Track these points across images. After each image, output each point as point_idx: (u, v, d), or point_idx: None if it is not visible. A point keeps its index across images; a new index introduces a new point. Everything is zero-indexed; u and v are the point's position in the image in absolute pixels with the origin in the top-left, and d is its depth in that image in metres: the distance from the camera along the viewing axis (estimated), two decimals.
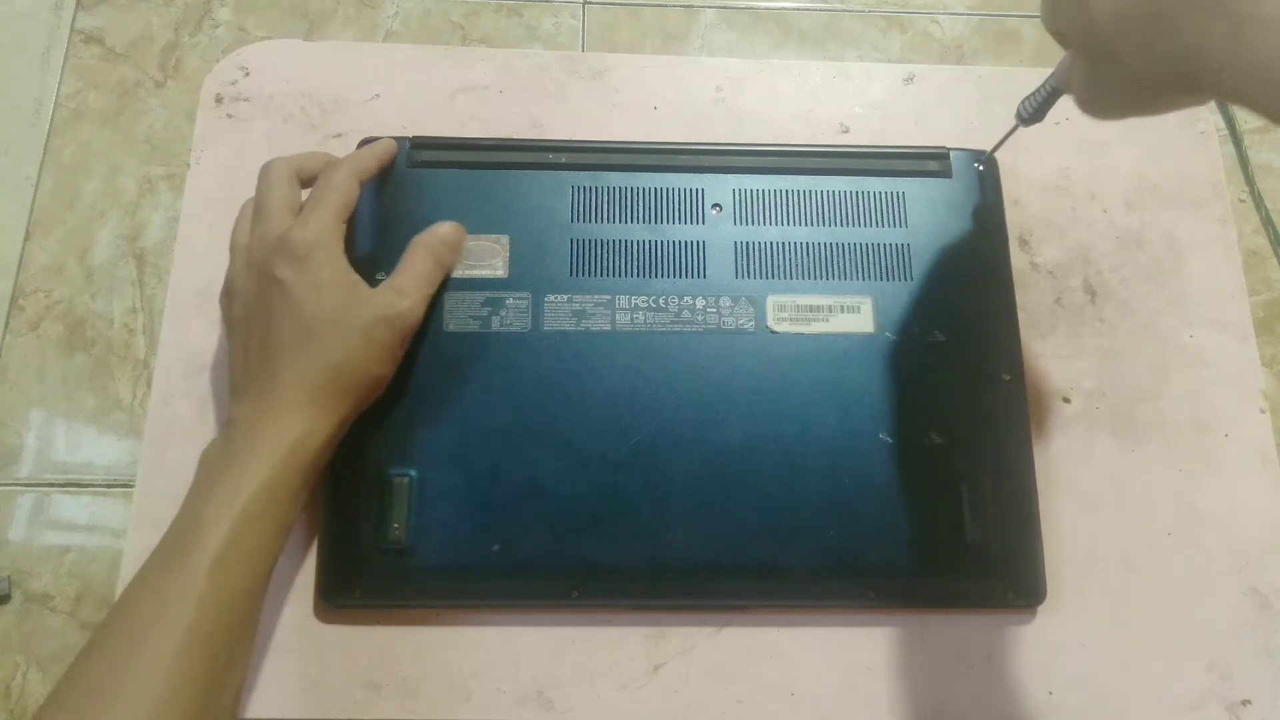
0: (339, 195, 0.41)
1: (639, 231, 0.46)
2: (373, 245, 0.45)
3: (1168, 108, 0.31)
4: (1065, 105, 0.51)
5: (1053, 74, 0.38)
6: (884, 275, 0.46)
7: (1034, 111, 0.41)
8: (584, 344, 0.44)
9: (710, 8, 0.56)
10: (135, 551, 0.42)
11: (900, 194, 0.47)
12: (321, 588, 0.41)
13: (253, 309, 0.40)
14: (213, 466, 0.38)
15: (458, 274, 0.45)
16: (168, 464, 0.44)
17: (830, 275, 0.46)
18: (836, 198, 0.47)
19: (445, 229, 0.44)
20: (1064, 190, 0.51)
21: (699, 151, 0.48)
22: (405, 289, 0.41)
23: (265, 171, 0.42)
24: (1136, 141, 0.52)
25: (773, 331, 0.45)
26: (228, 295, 0.41)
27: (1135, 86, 0.31)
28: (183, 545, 0.35)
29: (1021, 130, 0.43)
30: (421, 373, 0.43)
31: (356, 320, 0.39)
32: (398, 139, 0.47)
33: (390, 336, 0.40)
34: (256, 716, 0.40)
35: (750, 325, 0.45)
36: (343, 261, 0.40)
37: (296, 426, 0.37)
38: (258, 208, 0.42)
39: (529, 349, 0.44)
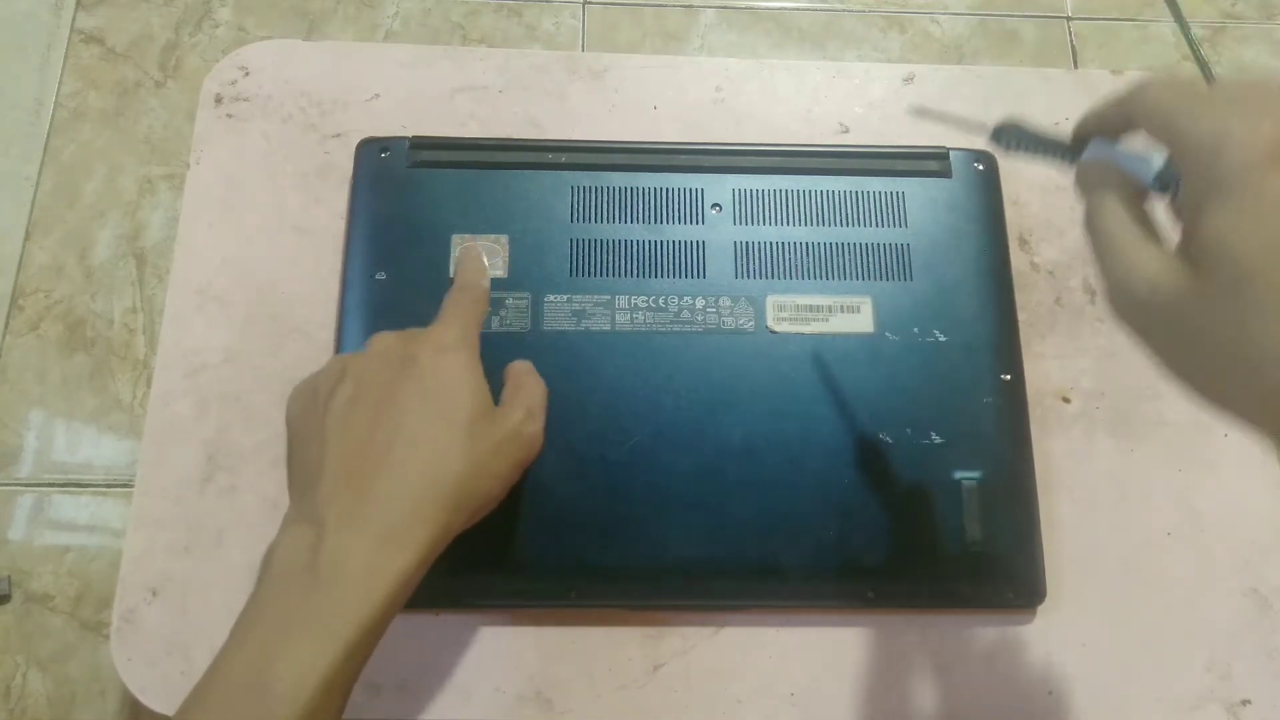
0: (476, 308, 0.40)
1: (639, 231, 0.46)
2: (372, 245, 0.45)
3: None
4: (1067, 106, 0.51)
5: (1091, 144, 0.30)
6: (884, 275, 0.46)
7: (1010, 140, 0.33)
8: (584, 344, 0.44)
9: (710, 8, 0.56)
10: (135, 551, 0.42)
11: (900, 194, 0.47)
12: None
13: (372, 389, 0.34)
14: (291, 592, 0.31)
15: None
16: (168, 464, 0.44)
17: (830, 275, 0.46)
18: (836, 198, 0.47)
19: (526, 364, 0.41)
20: (1064, 190, 0.51)
21: (699, 151, 0.48)
22: (535, 413, 0.39)
23: (470, 291, 0.41)
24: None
25: (772, 331, 0.45)
26: (337, 375, 0.35)
27: (1207, 390, 0.24)
28: (247, 703, 0.29)
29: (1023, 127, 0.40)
30: None
31: (491, 432, 0.35)
32: (397, 139, 0.47)
33: (519, 457, 0.37)
34: None
35: (750, 325, 0.45)
36: (479, 366, 0.36)
37: (403, 561, 0.31)
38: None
39: (528, 349, 0.44)
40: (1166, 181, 0.27)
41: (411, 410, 0.34)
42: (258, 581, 0.32)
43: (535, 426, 0.38)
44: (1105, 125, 0.29)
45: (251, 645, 0.30)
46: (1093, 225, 0.27)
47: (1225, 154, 0.22)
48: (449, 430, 0.34)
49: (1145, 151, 0.27)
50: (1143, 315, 0.25)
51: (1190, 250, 0.23)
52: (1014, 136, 0.32)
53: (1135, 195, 0.27)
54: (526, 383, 0.40)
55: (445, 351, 0.36)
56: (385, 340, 0.36)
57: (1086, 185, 0.28)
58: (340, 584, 0.30)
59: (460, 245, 0.45)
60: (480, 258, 0.44)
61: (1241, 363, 0.22)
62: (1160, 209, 0.28)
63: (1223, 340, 0.22)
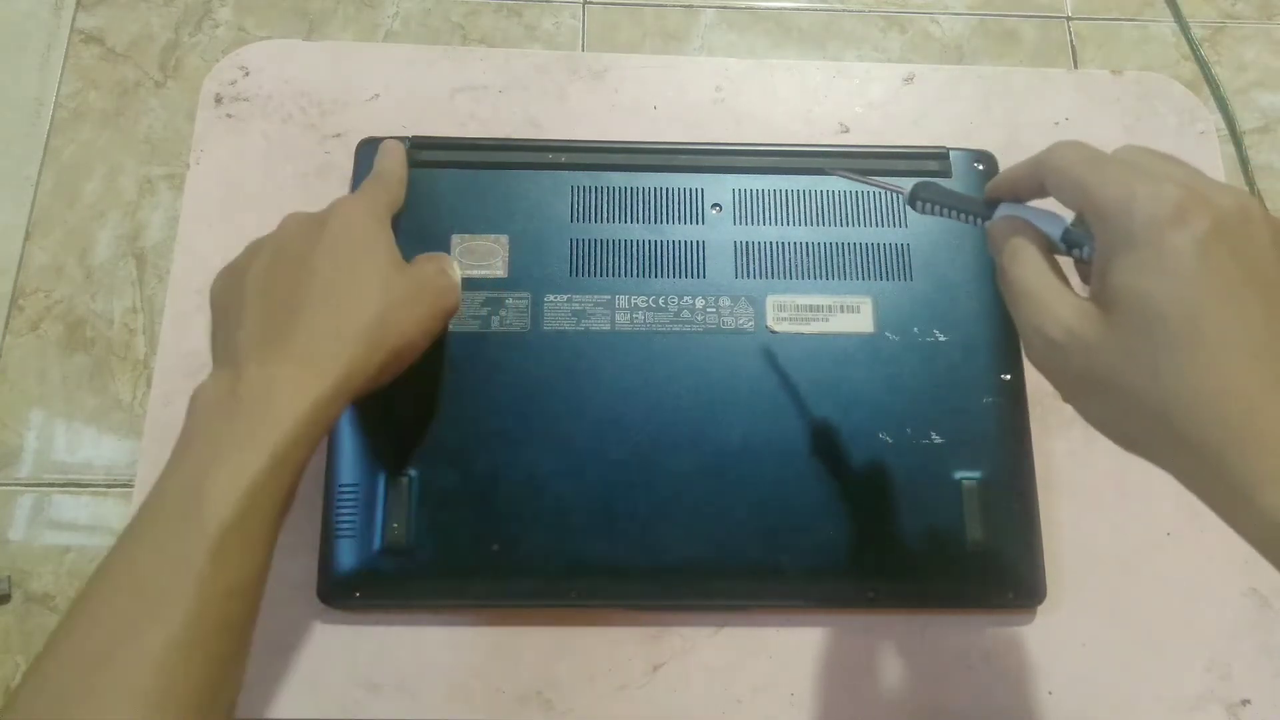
0: (386, 190, 0.41)
1: (639, 231, 0.46)
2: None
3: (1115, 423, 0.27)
4: (1067, 106, 0.51)
5: (1001, 207, 0.31)
6: (884, 275, 0.46)
7: (925, 201, 0.34)
8: (584, 344, 0.44)
9: (710, 8, 0.56)
10: None
11: (900, 194, 0.47)
12: (321, 588, 0.41)
13: (289, 243, 0.36)
14: (215, 421, 0.32)
15: None
16: None
17: (830, 275, 0.46)
18: (836, 198, 0.47)
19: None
20: None
21: (699, 151, 0.48)
22: (446, 269, 0.40)
23: (384, 172, 0.43)
24: (1136, 142, 0.52)
25: (772, 331, 0.45)
26: (249, 253, 0.37)
27: (1124, 437, 0.27)
28: (181, 516, 0.30)
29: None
30: (421, 373, 0.43)
31: (407, 278, 0.37)
32: (397, 139, 0.47)
33: (436, 303, 0.38)
34: (256, 716, 0.40)
35: (750, 325, 0.45)
36: (389, 232, 0.38)
37: (320, 385, 0.32)
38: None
39: (529, 349, 0.44)
40: (1073, 241, 0.29)
41: (324, 263, 0.35)
42: (185, 423, 0.33)
43: (448, 279, 0.40)
44: (1017, 187, 0.31)
45: (182, 469, 0.31)
46: (1008, 277, 0.29)
47: (1134, 213, 0.24)
48: (362, 274, 0.36)
49: (1052, 213, 0.29)
50: (1061, 359, 0.27)
51: (1102, 299, 0.25)
52: (929, 198, 0.34)
53: (1047, 250, 0.29)
54: (432, 254, 0.41)
55: (353, 214, 0.37)
56: (296, 216, 0.38)
57: (1000, 241, 0.30)
58: (261, 404, 0.32)
59: (385, 143, 0.45)
60: (400, 153, 0.45)
61: (1153, 403, 0.24)
62: (1067, 267, 0.29)
63: (1134, 382, 0.24)
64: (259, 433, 0.31)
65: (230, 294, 0.36)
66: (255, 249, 0.37)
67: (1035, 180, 0.29)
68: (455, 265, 0.42)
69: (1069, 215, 0.29)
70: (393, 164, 0.44)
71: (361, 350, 0.34)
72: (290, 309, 0.34)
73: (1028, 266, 0.28)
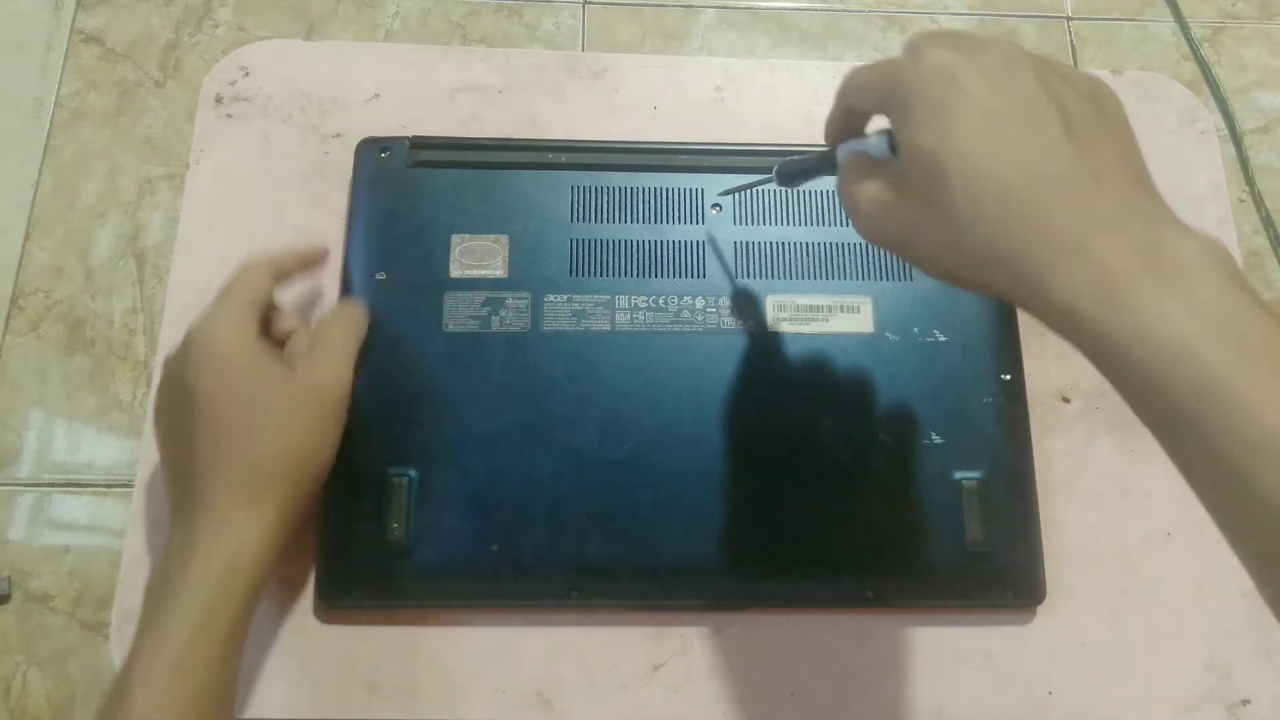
0: (240, 286, 0.39)
1: (639, 231, 0.46)
2: (372, 245, 0.45)
3: (958, 275, 0.29)
4: None
5: (837, 149, 0.34)
6: (884, 275, 0.46)
7: (795, 172, 0.38)
8: (584, 344, 0.44)
9: (710, 8, 0.56)
10: (135, 551, 0.42)
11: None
12: (321, 588, 0.41)
13: (173, 420, 0.38)
14: (148, 604, 0.35)
15: (457, 274, 0.45)
16: None
17: (830, 275, 0.46)
18: (836, 197, 0.47)
19: (350, 305, 0.43)
20: None
21: (699, 151, 0.48)
22: (322, 359, 0.39)
23: (238, 272, 0.40)
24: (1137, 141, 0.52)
25: (772, 331, 0.45)
26: (158, 399, 0.39)
27: (945, 273, 0.29)
28: (118, 704, 0.32)
29: None
30: (421, 373, 0.43)
31: (277, 403, 0.37)
32: (397, 139, 0.47)
33: (317, 411, 0.38)
34: (256, 716, 0.40)
35: (750, 325, 0.45)
36: (253, 349, 0.37)
37: (229, 537, 0.35)
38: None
39: (529, 349, 0.44)
40: (892, 143, 0.31)
41: (199, 425, 0.36)
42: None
43: (328, 372, 0.39)
44: (839, 124, 0.33)
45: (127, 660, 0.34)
46: (840, 193, 0.32)
47: (902, 85, 0.28)
48: (232, 423, 0.36)
49: (880, 131, 0.31)
50: (880, 228, 0.30)
51: (900, 168, 0.29)
52: (792, 171, 0.38)
53: (870, 162, 0.31)
54: (321, 332, 0.41)
55: (206, 357, 0.37)
56: (173, 363, 0.38)
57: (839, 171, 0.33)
58: (180, 581, 0.34)
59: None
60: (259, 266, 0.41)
61: (951, 234, 0.27)
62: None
63: (934, 221, 0.27)
64: (177, 608, 0.33)
65: (158, 440, 0.39)
66: (157, 415, 0.39)
67: (845, 107, 0.32)
68: (342, 340, 0.40)
69: None
70: (256, 270, 0.41)
71: (256, 492, 0.36)
72: (188, 466, 0.36)
73: (847, 174, 0.31)
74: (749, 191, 0.47)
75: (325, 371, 0.39)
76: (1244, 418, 0.22)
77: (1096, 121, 0.27)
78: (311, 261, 0.43)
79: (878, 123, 0.31)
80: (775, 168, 0.38)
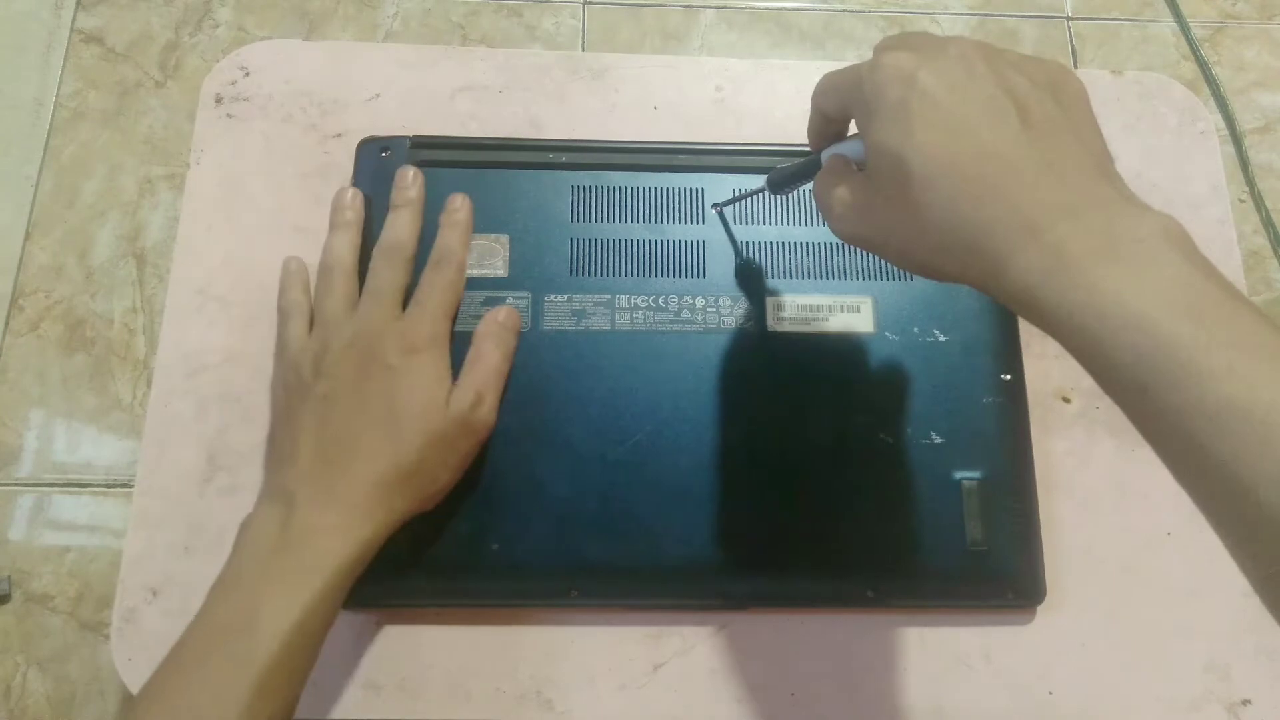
0: (452, 293, 0.42)
1: (639, 231, 0.46)
2: (372, 248, 0.45)
3: (928, 267, 0.30)
4: None
5: (821, 154, 0.35)
6: (884, 275, 0.46)
7: (784, 180, 0.39)
8: (584, 343, 0.44)
9: (710, 8, 0.56)
10: (135, 551, 0.42)
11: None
12: None
13: (345, 387, 0.39)
14: (265, 553, 0.35)
15: None
16: (168, 464, 0.44)
17: (830, 275, 0.46)
18: None
19: (504, 314, 0.43)
20: None
21: (699, 151, 0.48)
22: (484, 394, 0.40)
23: (382, 252, 0.42)
24: (1136, 141, 0.52)
25: (772, 331, 0.45)
26: (314, 365, 0.40)
27: (914, 265, 0.30)
28: (229, 651, 0.33)
29: None
30: None
31: (440, 423, 0.38)
32: (398, 139, 0.47)
33: (467, 444, 0.40)
34: None
35: (750, 325, 0.45)
36: (447, 361, 0.40)
37: (363, 529, 0.36)
38: (370, 290, 0.41)
39: (529, 348, 0.44)
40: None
41: (376, 410, 0.38)
42: (234, 549, 0.36)
43: (485, 409, 0.40)
44: (818, 129, 0.34)
45: (234, 596, 0.34)
46: (814, 194, 0.33)
47: (865, 90, 0.29)
48: (404, 423, 0.38)
49: (855, 135, 0.33)
50: (852, 226, 0.31)
51: (868, 169, 0.30)
52: (782, 180, 0.39)
53: (845, 165, 0.33)
54: (483, 355, 0.41)
55: (414, 353, 0.39)
56: (362, 335, 0.39)
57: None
58: (310, 547, 0.35)
59: (453, 199, 0.45)
60: (466, 218, 0.44)
61: (917, 227, 0.28)
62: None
63: (901, 217, 0.28)
64: (305, 574, 0.34)
65: (289, 411, 0.39)
66: (315, 364, 0.39)
67: (819, 114, 0.33)
68: (493, 382, 0.41)
69: None
70: (455, 242, 0.43)
71: (398, 502, 0.37)
72: (341, 455, 0.37)
73: (822, 179, 0.33)
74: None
75: (487, 407, 0.40)
76: (1200, 388, 0.23)
77: (1054, 111, 0.28)
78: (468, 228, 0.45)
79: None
80: (767, 179, 0.40)
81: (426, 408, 0.38)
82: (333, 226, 0.44)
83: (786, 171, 0.39)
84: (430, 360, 0.39)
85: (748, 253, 0.46)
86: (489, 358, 0.41)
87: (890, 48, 0.29)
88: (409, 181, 0.45)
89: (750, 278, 0.45)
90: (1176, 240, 0.25)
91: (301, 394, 0.39)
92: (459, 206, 0.44)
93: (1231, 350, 0.23)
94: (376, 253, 0.43)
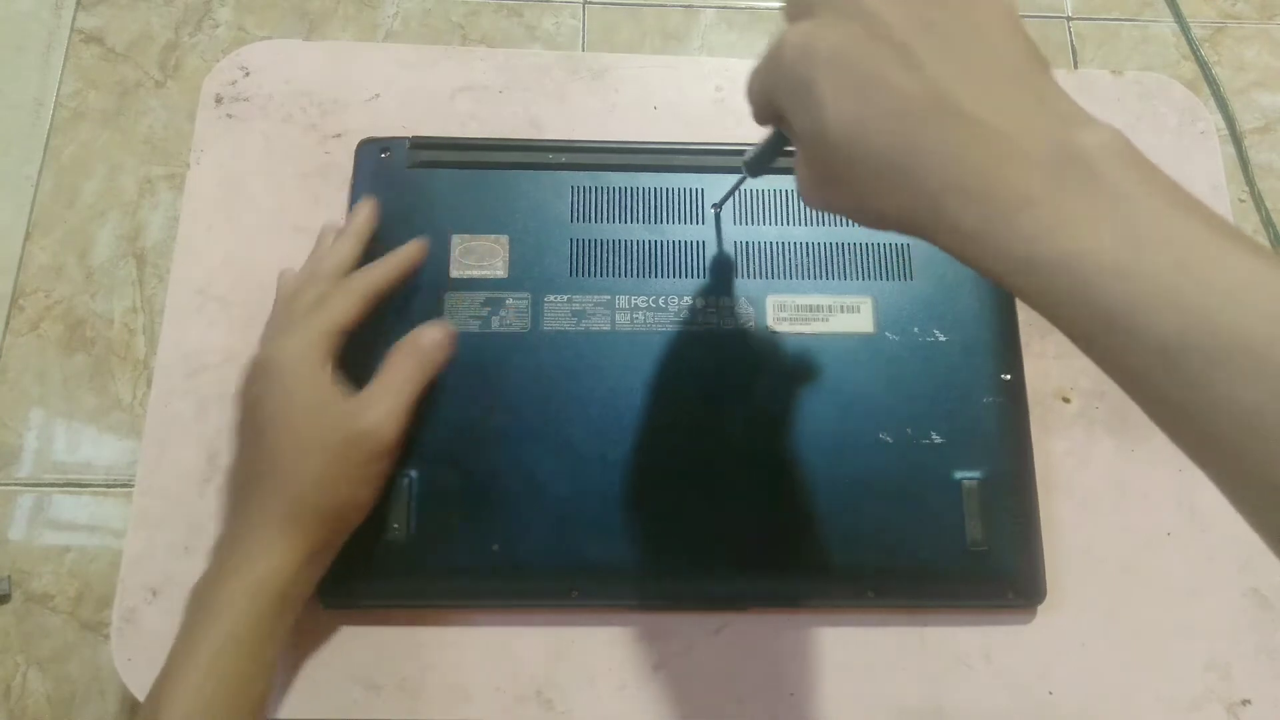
0: (330, 310, 0.40)
1: (639, 231, 0.46)
2: (374, 246, 0.45)
3: (884, 231, 0.29)
4: None
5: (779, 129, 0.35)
6: (884, 275, 0.46)
7: (756, 161, 0.38)
8: (584, 344, 0.44)
9: (710, 8, 0.56)
10: (135, 551, 0.42)
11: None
12: (322, 588, 0.41)
13: (239, 427, 0.40)
14: (187, 612, 0.37)
15: (457, 274, 0.45)
16: (168, 464, 0.44)
17: (830, 275, 0.46)
18: None
19: (429, 332, 0.41)
20: None
21: (699, 151, 0.48)
22: (375, 399, 0.39)
23: (304, 277, 0.42)
24: (1136, 141, 0.52)
25: (773, 331, 0.45)
26: (236, 396, 0.41)
27: (854, 209, 0.29)
28: (154, 699, 0.34)
29: None
30: None
31: (324, 442, 0.37)
32: (398, 139, 0.47)
33: (360, 458, 0.38)
34: None
35: (750, 325, 0.45)
36: (319, 380, 0.38)
37: (260, 564, 0.36)
38: (286, 308, 0.41)
39: (529, 349, 0.44)
40: None
41: (254, 444, 0.38)
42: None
43: (373, 415, 0.39)
44: (762, 119, 0.33)
45: (170, 654, 0.36)
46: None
47: (775, 77, 0.28)
48: (282, 453, 0.37)
49: None
50: (809, 196, 0.31)
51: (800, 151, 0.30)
52: (753, 160, 0.38)
53: None
54: (390, 366, 0.40)
55: (273, 379, 0.38)
56: (259, 359, 0.39)
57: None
58: (218, 592, 0.36)
59: (358, 207, 0.44)
60: (358, 224, 0.44)
61: (855, 197, 0.28)
62: None
63: (840, 189, 0.28)
64: (215, 615, 0.35)
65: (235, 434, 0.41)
66: (240, 394, 0.40)
67: (759, 111, 0.32)
68: (401, 393, 0.40)
69: None
70: (353, 286, 0.41)
71: (291, 526, 0.37)
72: (242, 479, 0.39)
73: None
74: (748, 192, 0.47)
75: (377, 415, 0.39)
76: (1144, 322, 0.22)
77: (961, 35, 0.26)
78: (409, 267, 0.43)
79: None
80: (743, 162, 0.39)
81: (301, 431, 0.37)
82: (338, 233, 0.44)
83: (756, 152, 0.38)
84: (294, 384, 0.38)
85: (748, 252, 0.46)
86: (395, 370, 0.40)
87: (793, 16, 0.28)
88: (361, 210, 0.45)
89: (723, 275, 0.45)
90: (1116, 152, 0.24)
91: (235, 428, 0.40)
92: (357, 211, 0.45)
93: (1178, 275, 0.21)
94: (305, 275, 0.42)
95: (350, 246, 0.43)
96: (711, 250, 0.46)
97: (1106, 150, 0.24)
